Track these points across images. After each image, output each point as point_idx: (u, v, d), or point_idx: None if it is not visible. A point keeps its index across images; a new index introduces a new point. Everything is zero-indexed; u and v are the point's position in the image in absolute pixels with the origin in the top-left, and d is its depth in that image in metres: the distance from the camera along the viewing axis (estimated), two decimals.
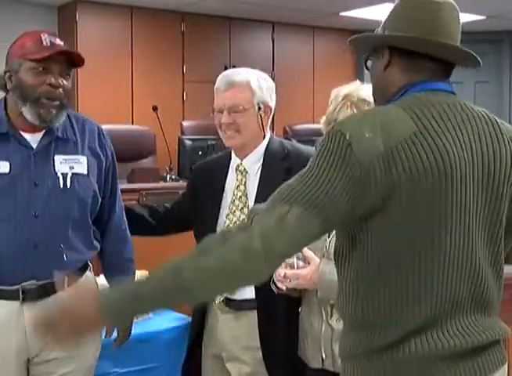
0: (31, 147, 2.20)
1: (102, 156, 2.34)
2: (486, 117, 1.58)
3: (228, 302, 2.38)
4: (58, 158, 2.22)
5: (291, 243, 1.41)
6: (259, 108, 2.39)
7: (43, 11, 6.60)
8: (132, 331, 2.92)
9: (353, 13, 6.91)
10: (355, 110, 2.10)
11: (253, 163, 2.41)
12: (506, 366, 1.57)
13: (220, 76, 2.43)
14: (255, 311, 2.32)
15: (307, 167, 1.47)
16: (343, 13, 7.10)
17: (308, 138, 5.77)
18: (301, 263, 2.08)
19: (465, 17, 7.45)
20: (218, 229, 2.40)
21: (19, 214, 2.15)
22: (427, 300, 1.46)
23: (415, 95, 1.53)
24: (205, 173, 2.54)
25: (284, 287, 2.10)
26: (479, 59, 1.64)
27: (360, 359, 1.51)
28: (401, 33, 1.55)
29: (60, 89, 2.17)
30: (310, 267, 2.08)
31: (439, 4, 1.56)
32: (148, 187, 4.30)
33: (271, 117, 2.45)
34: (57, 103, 2.17)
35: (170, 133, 5.37)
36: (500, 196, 1.53)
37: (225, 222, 2.40)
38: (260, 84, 2.40)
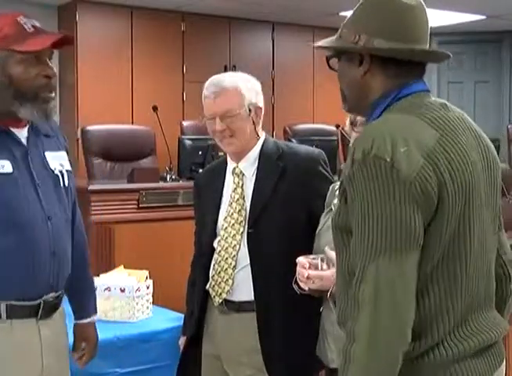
0: (23, 144, 1.97)
1: (68, 151, 2.14)
2: (465, 115, 1.58)
3: (228, 304, 2.38)
4: (48, 155, 2.02)
5: (406, 293, 1.36)
6: (249, 110, 2.37)
7: (43, 10, 6.59)
8: (133, 331, 2.92)
9: None
10: None
11: (248, 165, 2.41)
12: (504, 361, 1.58)
13: (208, 82, 2.39)
14: (254, 313, 2.31)
15: (360, 206, 1.39)
16: (343, 13, 7.09)
17: (308, 138, 5.77)
18: (324, 266, 2.02)
19: (465, 17, 7.44)
20: (218, 231, 2.41)
21: (32, 218, 1.93)
22: (461, 300, 1.45)
23: (407, 99, 1.52)
24: (204, 180, 2.56)
25: (307, 288, 2.04)
26: (449, 53, 1.62)
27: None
28: (384, 40, 1.51)
29: (55, 78, 1.95)
30: (334, 268, 2.00)
31: (416, 5, 1.53)
32: (148, 187, 4.30)
33: (262, 117, 2.43)
34: (53, 94, 1.96)
35: (170, 133, 5.37)
36: (496, 190, 1.55)
37: (223, 225, 2.40)
38: (247, 86, 2.38)
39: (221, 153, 2.58)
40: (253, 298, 2.32)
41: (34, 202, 1.94)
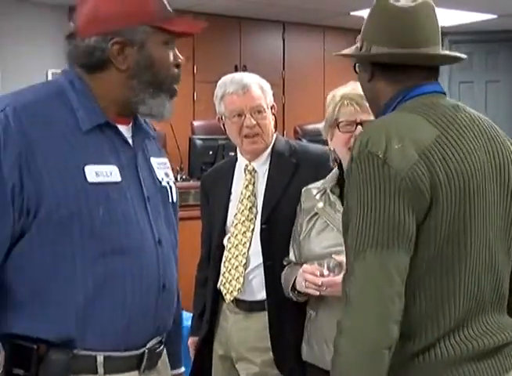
0: (131, 146, 1.56)
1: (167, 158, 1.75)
2: (483, 118, 1.58)
3: (239, 303, 2.37)
4: (153, 162, 1.62)
5: (395, 287, 1.37)
6: (270, 108, 2.41)
7: (53, 12, 6.61)
8: None
9: (363, 13, 6.88)
10: (355, 106, 2.10)
11: (261, 163, 2.42)
12: None
13: (227, 81, 2.39)
14: (265, 312, 2.31)
15: (354, 201, 1.40)
16: (353, 13, 7.08)
17: (319, 138, 5.75)
18: (325, 271, 2.02)
19: (477, 16, 7.42)
20: (227, 228, 2.41)
21: (141, 241, 1.49)
22: (458, 301, 1.45)
23: (416, 99, 1.52)
24: (211, 179, 2.57)
25: (318, 293, 2.04)
26: (462, 56, 1.63)
27: (393, 367, 1.44)
28: (382, 47, 1.53)
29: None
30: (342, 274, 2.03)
31: (415, 8, 1.52)
32: None
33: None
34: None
35: (180, 133, 5.37)
36: (510, 194, 1.54)
37: (233, 222, 2.40)
38: (265, 84, 2.42)
39: (231, 153, 2.58)
40: (264, 297, 2.32)
41: (144, 221, 1.51)
